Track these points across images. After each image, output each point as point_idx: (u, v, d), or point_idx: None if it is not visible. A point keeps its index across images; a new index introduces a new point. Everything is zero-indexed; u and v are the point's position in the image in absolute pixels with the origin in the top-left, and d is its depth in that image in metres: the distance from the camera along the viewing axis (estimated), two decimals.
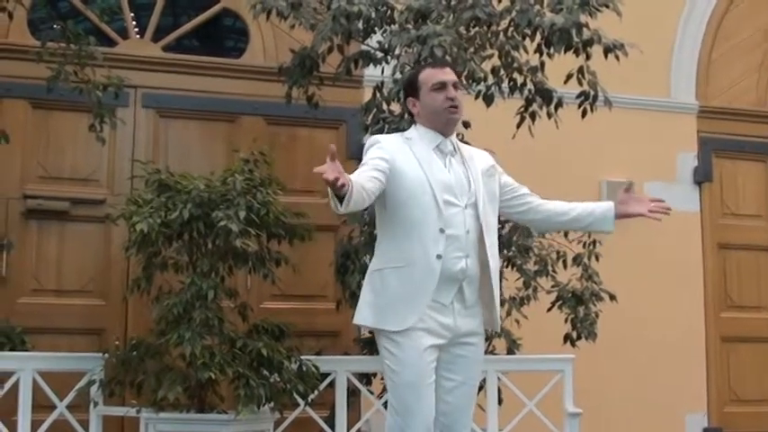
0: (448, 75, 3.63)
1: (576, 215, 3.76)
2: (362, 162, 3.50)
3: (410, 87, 3.71)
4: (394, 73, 4.85)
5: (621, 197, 3.76)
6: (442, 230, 3.44)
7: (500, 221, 3.87)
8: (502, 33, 4.93)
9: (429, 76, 3.64)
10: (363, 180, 3.27)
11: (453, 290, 3.47)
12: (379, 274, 3.53)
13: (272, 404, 4.44)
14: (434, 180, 3.49)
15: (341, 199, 3.13)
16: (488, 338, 4.79)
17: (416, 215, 3.46)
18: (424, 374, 3.43)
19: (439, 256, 3.43)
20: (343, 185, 3.06)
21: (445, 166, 3.55)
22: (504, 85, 5.03)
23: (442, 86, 3.60)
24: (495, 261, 3.57)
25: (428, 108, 3.63)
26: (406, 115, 4.73)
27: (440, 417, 3.52)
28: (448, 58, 4.39)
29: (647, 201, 3.77)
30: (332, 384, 4.83)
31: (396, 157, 3.49)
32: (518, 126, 5.07)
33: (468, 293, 3.51)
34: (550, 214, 3.76)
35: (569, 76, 4.93)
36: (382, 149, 3.51)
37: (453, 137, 3.67)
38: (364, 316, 3.55)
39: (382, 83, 5.11)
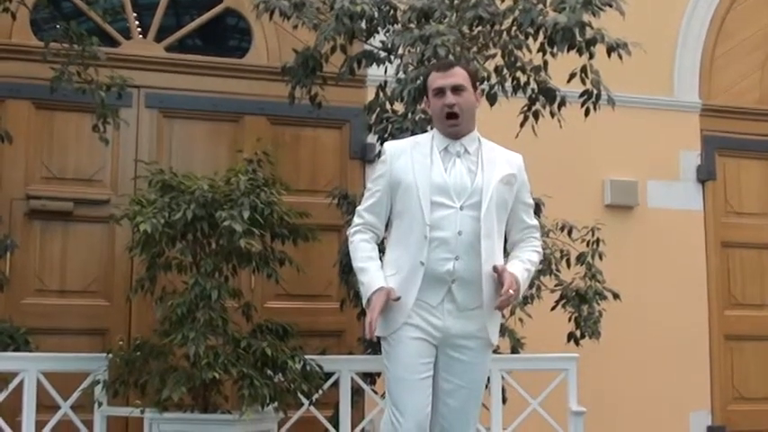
0: (448, 78, 3.58)
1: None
2: (367, 186, 3.68)
3: (424, 88, 3.76)
4: (397, 72, 4.85)
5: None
6: (425, 237, 3.44)
7: None
8: (505, 33, 4.92)
9: (432, 80, 3.64)
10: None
11: (441, 292, 3.46)
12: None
13: (276, 404, 4.45)
14: (423, 183, 3.48)
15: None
16: None
17: (406, 223, 3.51)
18: (412, 369, 3.44)
19: (422, 263, 3.44)
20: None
21: (445, 168, 3.53)
22: (508, 84, 5.02)
23: (440, 92, 3.59)
24: (489, 266, 3.46)
25: (432, 113, 3.66)
26: (410, 114, 4.75)
27: (440, 419, 3.53)
28: (451, 57, 4.38)
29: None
30: (336, 384, 4.83)
31: (393, 170, 3.55)
32: (521, 125, 5.06)
33: (462, 296, 3.46)
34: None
35: (572, 76, 4.91)
36: (384, 164, 3.60)
37: (469, 137, 3.60)
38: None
39: (385, 82, 5.11)
